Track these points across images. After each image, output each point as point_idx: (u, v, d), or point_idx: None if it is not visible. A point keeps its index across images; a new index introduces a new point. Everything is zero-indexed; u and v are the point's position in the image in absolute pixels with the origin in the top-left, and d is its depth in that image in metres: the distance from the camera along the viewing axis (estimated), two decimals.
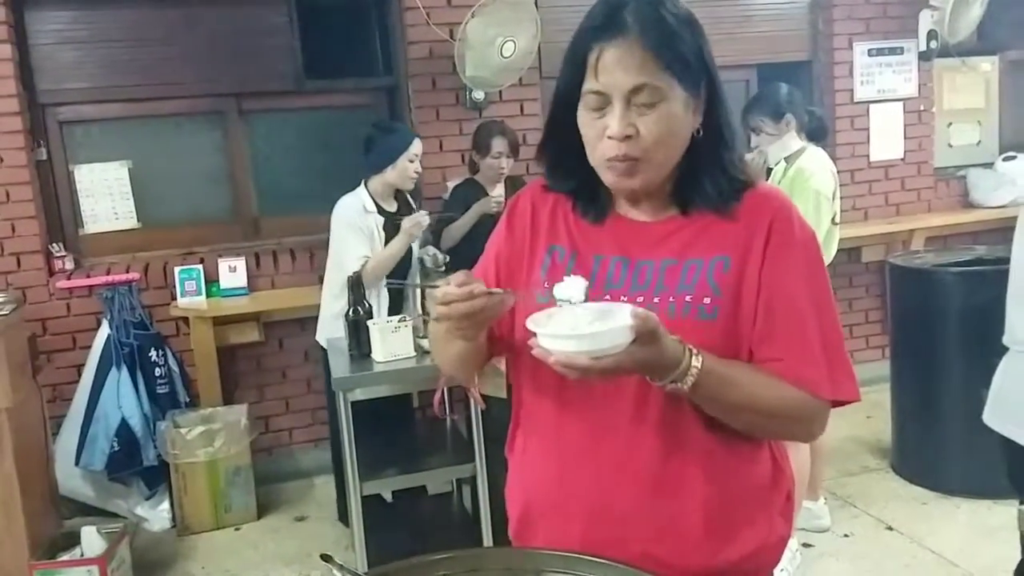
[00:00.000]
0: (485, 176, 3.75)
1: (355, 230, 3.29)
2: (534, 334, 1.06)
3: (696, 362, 1.09)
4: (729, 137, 1.24)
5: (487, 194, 3.71)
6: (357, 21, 4.43)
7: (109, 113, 4.14)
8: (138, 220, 4.18)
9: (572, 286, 1.08)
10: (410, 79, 4.22)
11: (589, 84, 1.17)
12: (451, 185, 3.88)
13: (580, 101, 1.19)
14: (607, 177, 1.20)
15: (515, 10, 3.99)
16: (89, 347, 3.79)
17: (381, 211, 3.38)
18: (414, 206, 3.59)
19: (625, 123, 1.14)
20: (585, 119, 1.19)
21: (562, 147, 1.26)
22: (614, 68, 1.14)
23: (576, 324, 1.05)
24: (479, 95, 4.20)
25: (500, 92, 4.25)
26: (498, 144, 3.67)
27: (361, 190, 3.38)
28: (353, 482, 2.80)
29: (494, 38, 3.97)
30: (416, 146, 3.37)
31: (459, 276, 1.12)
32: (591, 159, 1.21)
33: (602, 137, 1.17)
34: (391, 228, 3.37)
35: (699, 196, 1.22)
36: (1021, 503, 1.39)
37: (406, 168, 3.35)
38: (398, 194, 3.48)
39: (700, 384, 1.09)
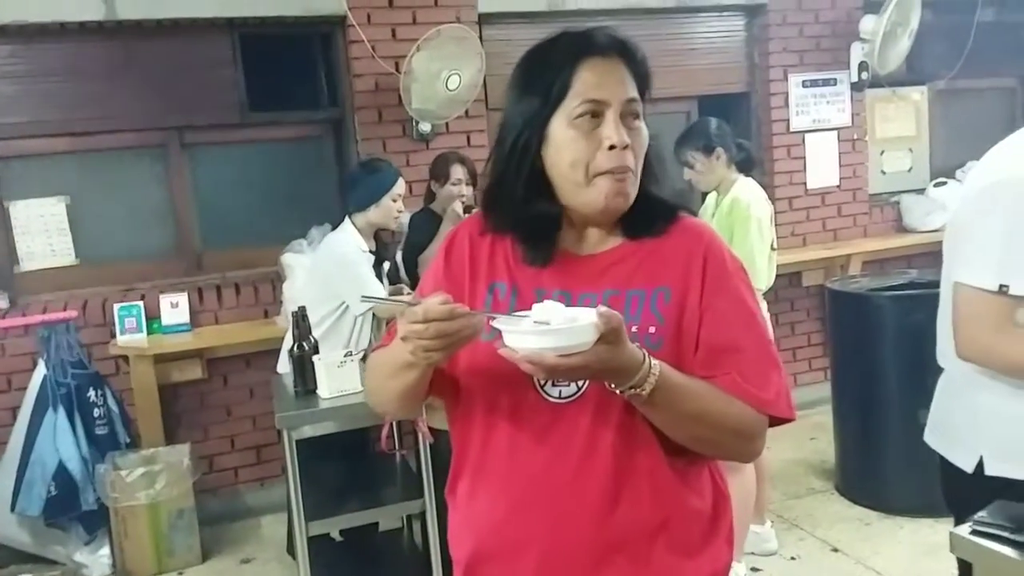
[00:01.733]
0: (442, 205, 3.75)
1: (365, 267, 3.22)
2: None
3: (655, 369, 1.11)
4: (659, 171, 1.30)
5: None
6: (301, 54, 4.41)
7: (46, 148, 4.04)
8: (76, 256, 4.08)
9: (549, 309, 1.08)
10: (356, 111, 4.22)
11: (583, 94, 1.18)
12: (404, 219, 3.85)
13: (561, 121, 1.19)
14: (597, 195, 1.19)
15: (460, 44, 4.03)
16: (25, 388, 3.66)
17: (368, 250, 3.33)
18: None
19: (624, 132, 1.17)
20: (571, 137, 1.18)
21: (514, 181, 1.24)
22: (609, 79, 1.18)
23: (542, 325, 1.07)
24: (426, 127, 4.21)
25: (447, 124, 4.27)
26: (457, 171, 3.68)
27: (351, 228, 3.30)
28: (299, 523, 2.73)
29: (439, 71, 4.00)
30: (400, 186, 3.34)
31: (439, 295, 1.09)
32: (573, 180, 1.20)
33: (596, 151, 1.18)
34: (375, 267, 3.33)
35: (639, 225, 1.26)
36: (955, 525, 1.42)
37: (390, 208, 3.31)
38: (376, 233, 3.43)
39: (658, 390, 1.11)
